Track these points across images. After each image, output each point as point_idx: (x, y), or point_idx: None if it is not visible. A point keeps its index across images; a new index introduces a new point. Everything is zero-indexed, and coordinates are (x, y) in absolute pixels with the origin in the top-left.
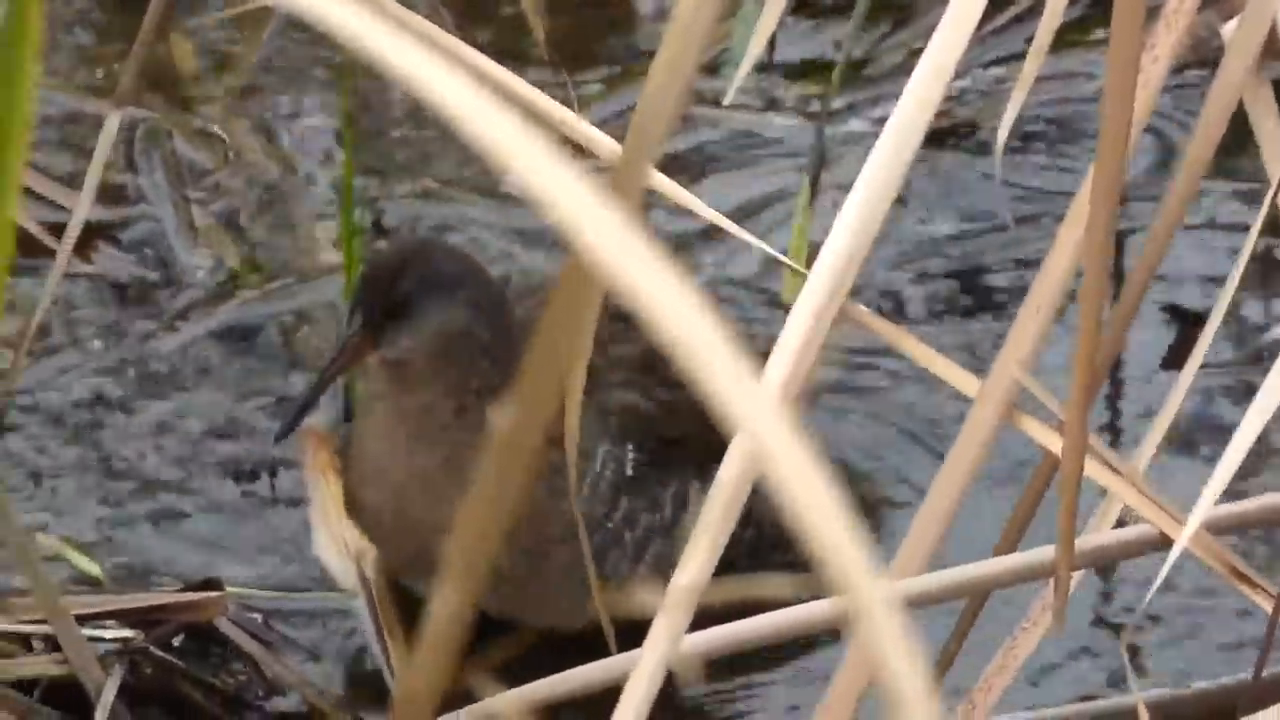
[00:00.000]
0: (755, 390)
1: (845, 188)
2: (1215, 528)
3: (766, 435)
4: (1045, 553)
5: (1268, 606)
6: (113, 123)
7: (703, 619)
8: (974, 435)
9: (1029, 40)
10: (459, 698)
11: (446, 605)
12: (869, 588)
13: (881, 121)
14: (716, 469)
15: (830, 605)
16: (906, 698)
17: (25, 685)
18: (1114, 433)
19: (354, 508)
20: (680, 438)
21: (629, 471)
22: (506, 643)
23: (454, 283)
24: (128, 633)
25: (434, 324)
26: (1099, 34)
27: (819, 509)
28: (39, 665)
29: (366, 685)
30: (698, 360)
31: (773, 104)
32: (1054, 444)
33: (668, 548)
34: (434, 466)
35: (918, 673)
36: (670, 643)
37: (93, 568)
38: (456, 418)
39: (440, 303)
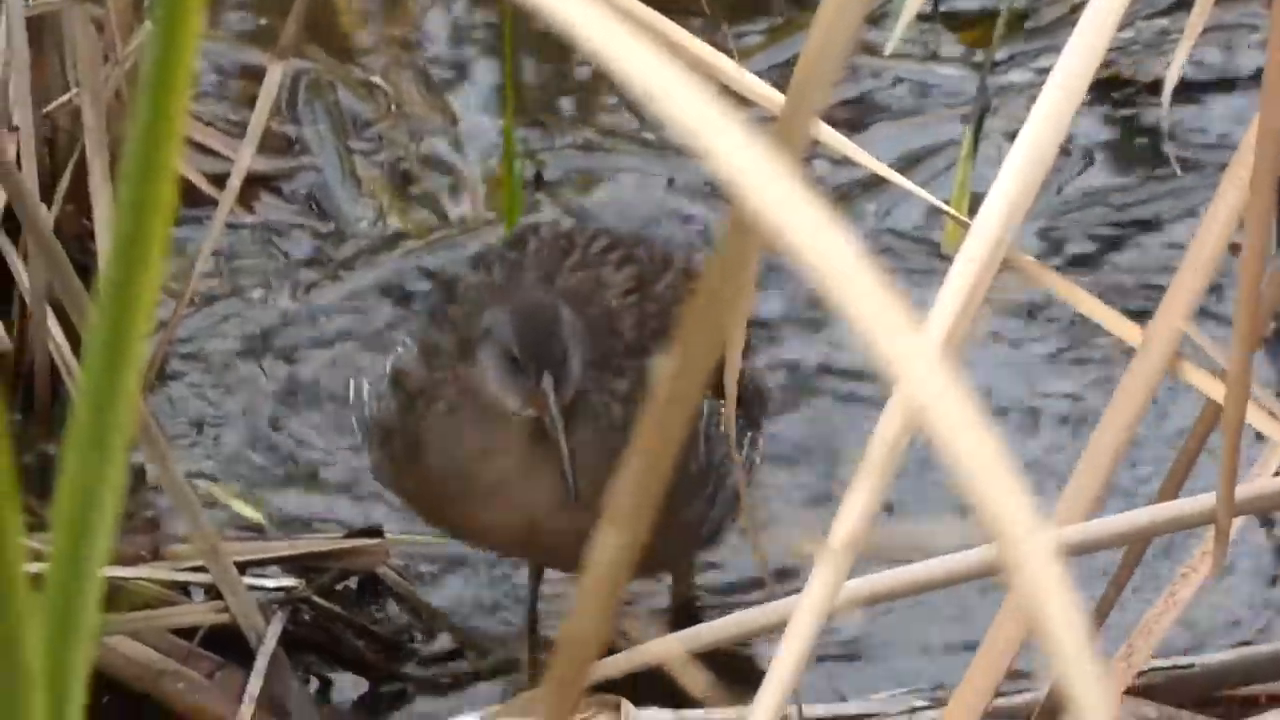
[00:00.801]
0: (915, 342)
1: (1008, 137)
2: None
3: (926, 387)
4: (1206, 500)
5: None
6: (275, 74)
7: None
8: (1137, 384)
9: None
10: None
11: (608, 550)
12: (1029, 536)
13: (1044, 73)
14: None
15: (989, 552)
16: (1065, 646)
17: (186, 630)
18: (1276, 382)
19: (464, 528)
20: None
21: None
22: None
23: (578, 332)
24: (289, 581)
25: (581, 366)
26: None
27: (980, 460)
28: (200, 614)
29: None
30: (858, 312)
31: (935, 54)
32: (1216, 392)
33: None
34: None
35: (1076, 621)
36: (831, 590)
37: (254, 514)
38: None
39: (579, 356)
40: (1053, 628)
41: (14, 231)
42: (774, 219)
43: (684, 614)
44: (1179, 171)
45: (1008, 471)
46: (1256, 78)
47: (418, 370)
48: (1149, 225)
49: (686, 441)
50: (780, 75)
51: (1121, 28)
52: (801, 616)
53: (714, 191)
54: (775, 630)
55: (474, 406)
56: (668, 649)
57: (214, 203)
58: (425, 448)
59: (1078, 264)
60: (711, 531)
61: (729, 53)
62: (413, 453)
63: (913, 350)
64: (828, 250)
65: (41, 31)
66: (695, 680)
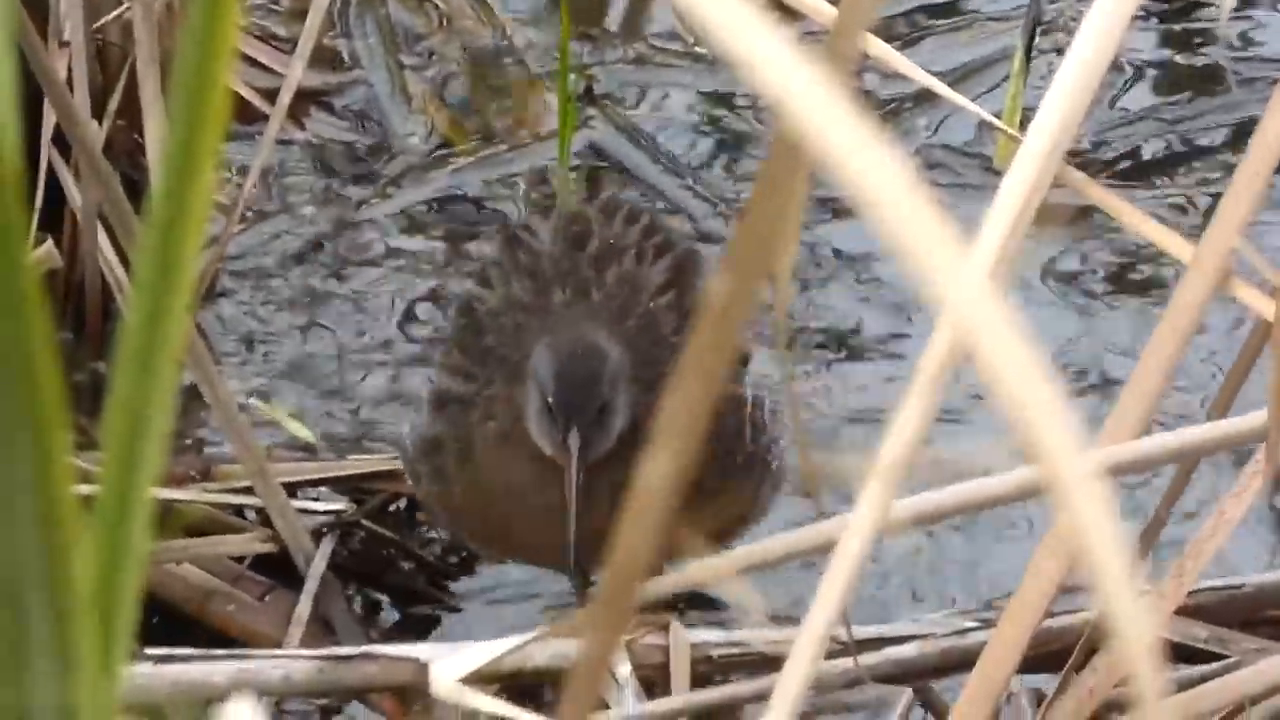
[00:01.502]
0: (960, 264)
1: (1060, 52)
2: None
3: (972, 310)
4: (1258, 418)
5: None
6: None
7: None
8: (1188, 300)
9: None
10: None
11: (656, 472)
12: (1071, 457)
13: None
14: None
15: (1036, 473)
16: (1107, 566)
17: (237, 557)
18: None
19: (511, 545)
20: None
21: None
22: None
23: (622, 374)
24: (338, 504)
25: (622, 420)
26: None
27: (1025, 382)
28: (248, 542)
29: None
30: (903, 232)
31: None
32: (1268, 309)
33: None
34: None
35: (1119, 541)
36: (880, 509)
37: (305, 433)
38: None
39: (621, 400)
40: (1095, 547)
41: (65, 148)
42: (820, 135)
43: None
44: (1233, 87)
45: (1051, 392)
46: None
47: (461, 388)
48: (1201, 141)
49: (733, 432)
50: None
51: None
52: (851, 536)
53: (762, 106)
54: (825, 550)
55: (524, 431)
56: (718, 569)
57: (265, 118)
58: (477, 460)
59: (1128, 179)
60: (760, 511)
61: None
62: (464, 463)
63: (957, 273)
64: (874, 170)
65: None
66: (746, 600)
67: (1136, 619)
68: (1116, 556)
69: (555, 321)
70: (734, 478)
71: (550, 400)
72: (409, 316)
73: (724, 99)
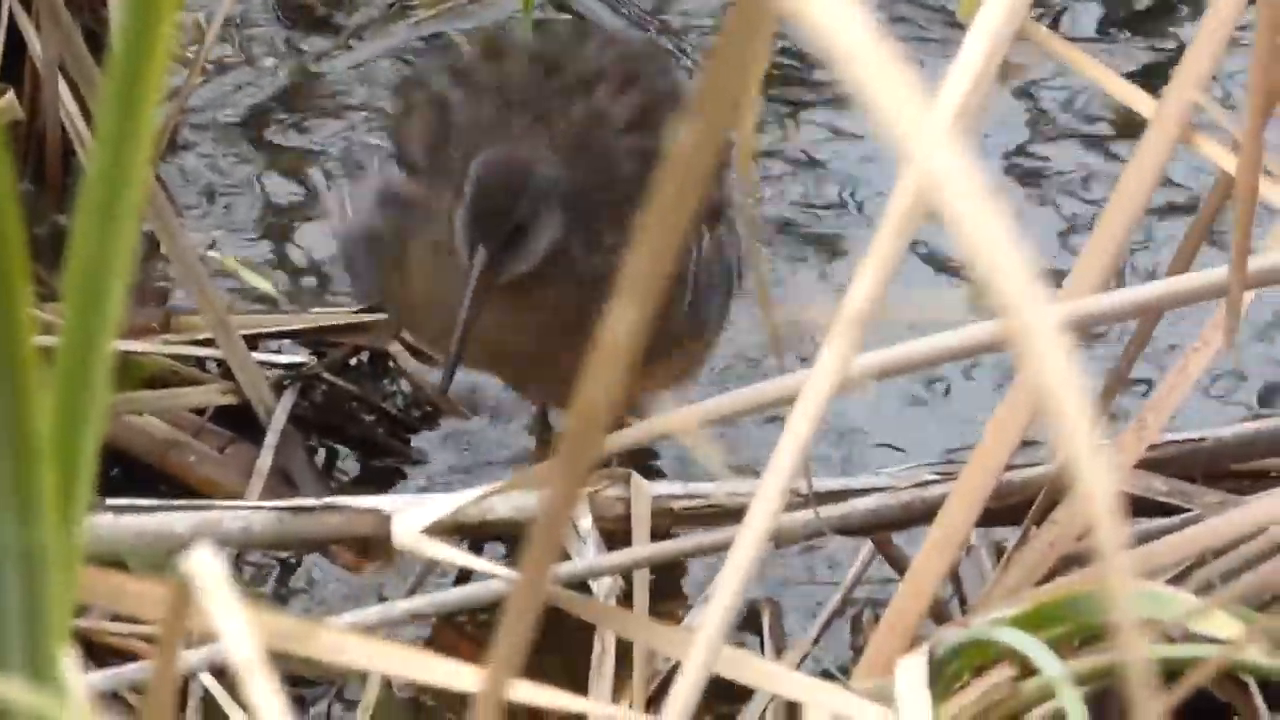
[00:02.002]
0: (923, 115)
1: None
2: None
3: (936, 160)
4: (1219, 273)
5: None
6: None
7: None
8: (1150, 156)
9: None
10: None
11: (621, 323)
12: (1033, 308)
13: None
14: None
15: (995, 327)
16: (1068, 418)
17: (199, 409)
18: None
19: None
20: None
21: None
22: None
23: (550, 199)
24: (299, 357)
25: (543, 243)
26: None
27: (987, 234)
28: (209, 394)
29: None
30: (866, 82)
31: None
32: (1229, 164)
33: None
34: (565, 337)
35: (1080, 393)
36: (843, 361)
37: (266, 285)
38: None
39: (545, 221)
40: (1057, 399)
41: (26, 0)
42: None
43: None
44: None
45: (1013, 245)
46: None
47: (410, 189)
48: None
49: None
50: None
51: None
52: (813, 388)
53: None
54: (788, 403)
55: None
56: (681, 421)
57: None
58: (411, 267)
59: (1091, 36)
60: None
61: None
62: (398, 265)
63: (920, 123)
64: (837, 21)
65: None
66: (709, 452)
67: (1097, 471)
68: (1078, 408)
69: (497, 138)
70: (693, 328)
71: (464, 217)
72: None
73: None
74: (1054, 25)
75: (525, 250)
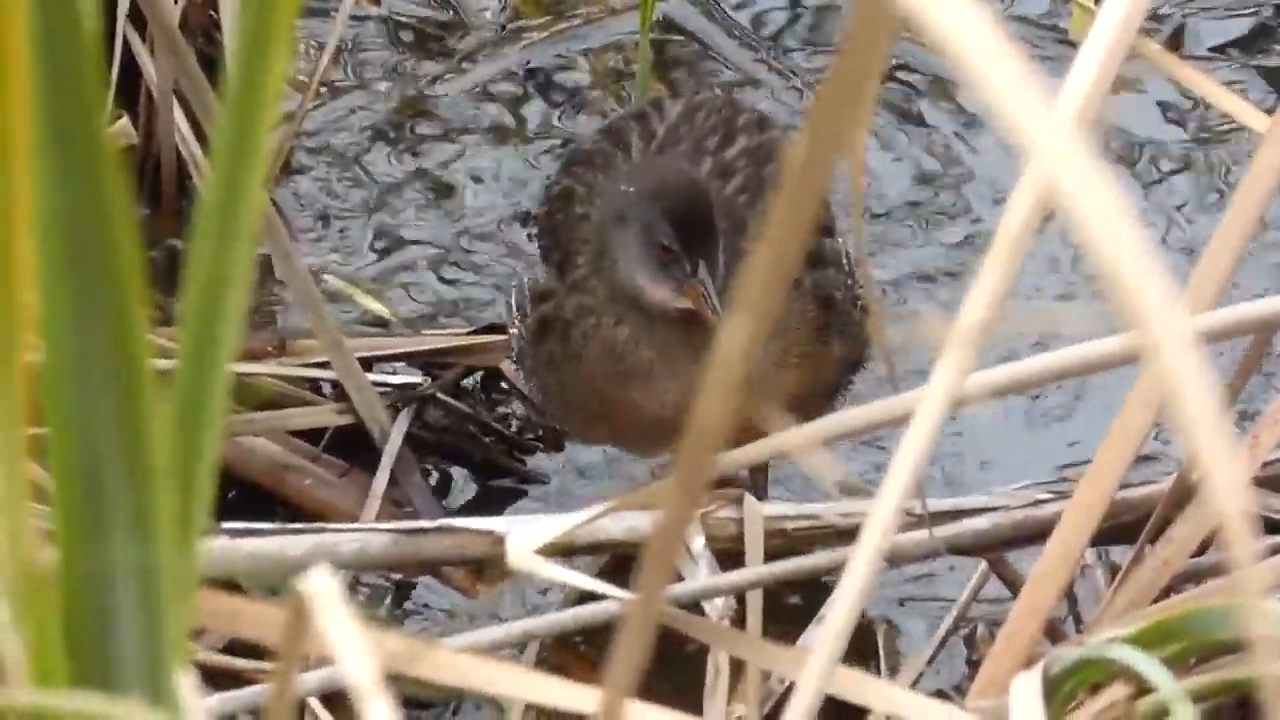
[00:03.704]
0: (1051, 119)
1: None
2: None
3: (1063, 162)
4: None
5: None
6: None
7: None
8: (1264, 173)
9: None
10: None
11: (735, 339)
12: (1167, 321)
13: None
14: None
15: (1122, 341)
16: (1201, 431)
17: (314, 433)
18: None
19: (615, 416)
20: None
21: None
22: None
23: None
24: (415, 378)
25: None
26: None
27: (1114, 242)
28: (325, 414)
29: None
30: (994, 90)
31: None
32: None
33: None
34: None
35: (1213, 406)
36: (957, 379)
37: (380, 308)
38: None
39: (722, 233)
40: (1189, 413)
41: (141, 25)
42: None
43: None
44: None
45: (1144, 253)
46: None
47: (562, 296)
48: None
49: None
50: None
51: None
52: (928, 405)
53: None
54: (904, 422)
55: (622, 305)
56: (798, 440)
57: None
58: (585, 356)
59: (1206, 53)
60: (856, 364)
61: None
62: (572, 359)
63: (1048, 128)
64: (963, 29)
65: None
66: (827, 468)
67: (1232, 485)
68: (1210, 421)
69: (643, 177)
70: (826, 344)
71: (670, 239)
72: (484, 193)
73: None
74: (1174, 42)
75: (724, 263)
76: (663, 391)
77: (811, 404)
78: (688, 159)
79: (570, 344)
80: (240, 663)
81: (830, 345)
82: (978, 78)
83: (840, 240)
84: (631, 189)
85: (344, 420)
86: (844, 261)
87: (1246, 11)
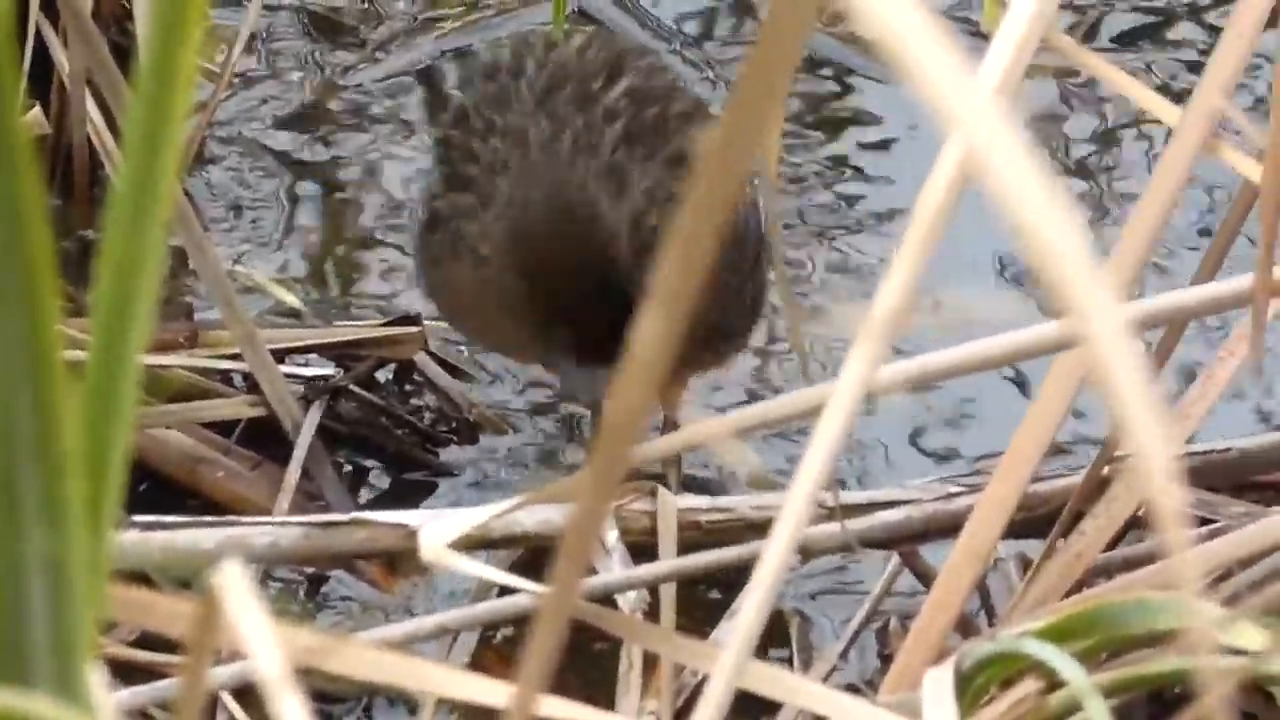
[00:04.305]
0: (973, 90)
1: None
2: None
3: (988, 135)
4: (1243, 281)
5: None
6: None
7: None
8: (1175, 163)
9: None
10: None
11: (653, 327)
12: (1101, 308)
13: None
14: None
15: (1041, 330)
16: (1139, 420)
17: (226, 425)
18: None
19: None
20: None
21: None
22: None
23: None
24: (327, 370)
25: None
26: None
27: (1043, 223)
28: (236, 406)
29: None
30: (912, 60)
31: None
32: (1254, 171)
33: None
34: None
35: (1149, 394)
36: (869, 370)
37: (293, 299)
38: None
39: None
40: (1128, 402)
41: (53, 14)
42: None
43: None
44: None
45: (1076, 238)
46: None
47: (445, 208)
48: (1190, 5)
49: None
50: None
51: None
52: (840, 397)
53: None
54: (817, 414)
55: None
56: (712, 430)
57: None
58: (451, 280)
59: (1115, 44)
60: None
61: None
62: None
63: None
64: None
65: None
66: (743, 458)
67: (1168, 472)
68: (1149, 413)
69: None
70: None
71: (577, 361)
72: (397, 183)
73: None
74: (1090, 33)
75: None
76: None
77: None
78: (575, 103)
79: (456, 247)
80: (151, 657)
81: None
82: (904, 58)
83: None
84: (527, 251)
85: (256, 412)
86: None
87: (1158, 3)
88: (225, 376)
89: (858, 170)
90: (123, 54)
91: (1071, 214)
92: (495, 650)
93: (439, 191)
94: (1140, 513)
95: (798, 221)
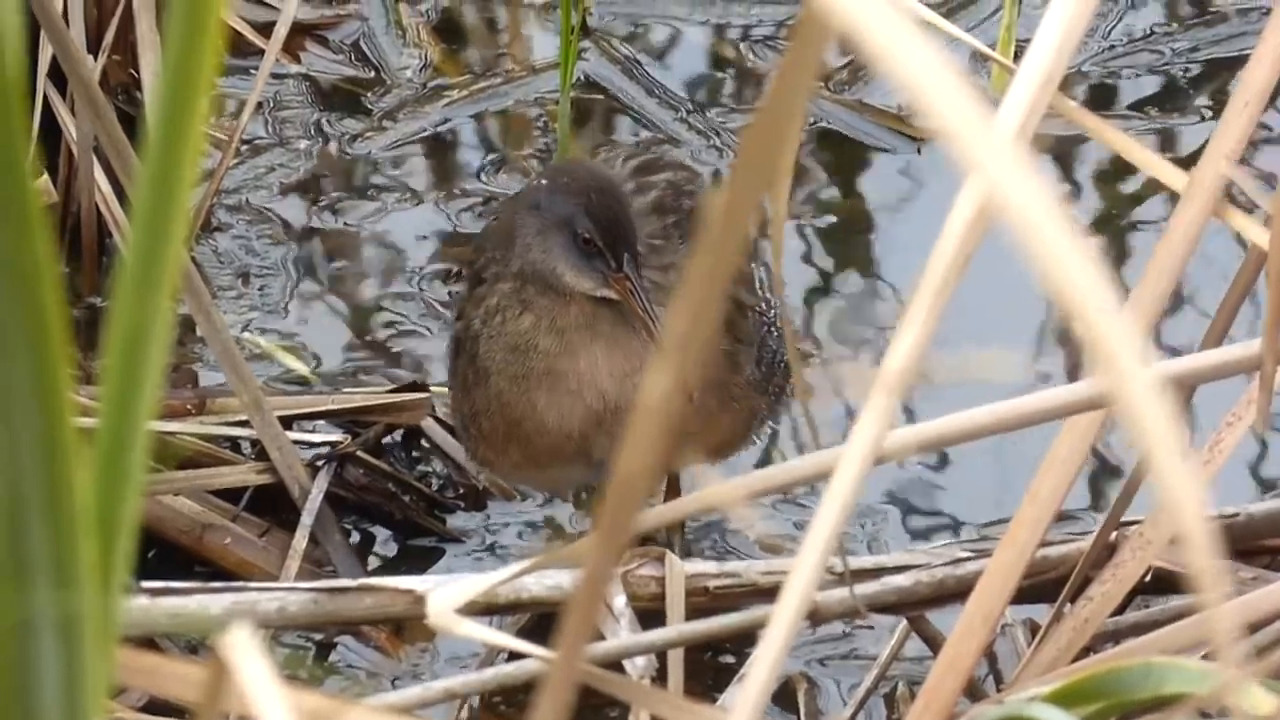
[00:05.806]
0: (993, 133)
1: None
2: None
3: (1007, 179)
4: (1250, 347)
5: None
6: None
7: None
8: (1181, 230)
9: None
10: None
11: (659, 388)
12: (1134, 368)
13: None
14: None
15: (1050, 394)
16: (1174, 477)
17: (234, 492)
18: None
19: (539, 427)
20: None
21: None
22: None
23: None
24: (334, 436)
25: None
26: None
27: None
28: (244, 473)
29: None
30: (937, 106)
31: None
32: (1261, 238)
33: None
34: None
35: (1184, 452)
36: (879, 430)
37: (300, 366)
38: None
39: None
40: (1161, 460)
41: (61, 83)
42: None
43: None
44: (1232, 15)
45: (1104, 288)
46: None
47: (470, 309)
48: (1194, 67)
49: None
50: None
51: None
52: (849, 462)
53: (762, 39)
54: (825, 478)
55: (530, 290)
56: (719, 497)
57: (260, 52)
58: (491, 365)
59: (1123, 109)
60: (773, 398)
61: None
62: (481, 370)
63: (989, 141)
64: (899, 41)
65: None
66: (751, 522)
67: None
68: (1185, 474)
69: (561, 182)
70: (744, 395)
71: (594, 235)
72: (403, 250)
73: (719, 30)
74: (1096, 98)
75: (641, 259)
76: (568, 398)
77: (725, 438)
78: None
79: (479, 359)
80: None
81: (740, 369)
82: (929, 105)
83: (755, 267)
84: (547, 183)
85: (264, 479)
86: (757, 287)
87: (1160, 68)
88: (233, 443)
89: (863, 232)
90: (130, 122)
91: (1100, 269)
92: (502, 716)
93: (460, 310)
94: (1147, 578)
95: (805, 283)
